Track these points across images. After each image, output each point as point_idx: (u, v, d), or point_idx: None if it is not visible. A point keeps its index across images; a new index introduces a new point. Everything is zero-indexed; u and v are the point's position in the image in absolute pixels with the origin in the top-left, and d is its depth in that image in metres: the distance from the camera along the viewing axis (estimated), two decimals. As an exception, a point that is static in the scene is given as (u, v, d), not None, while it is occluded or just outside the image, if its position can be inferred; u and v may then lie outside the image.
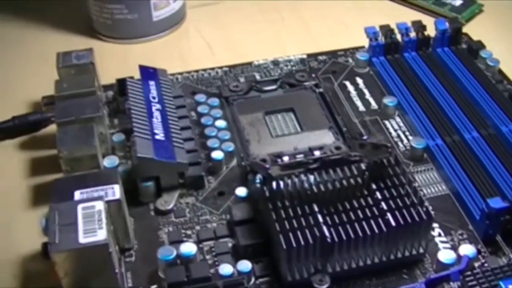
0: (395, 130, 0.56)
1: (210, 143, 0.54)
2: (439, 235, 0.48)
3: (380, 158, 0.47)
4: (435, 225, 0.48)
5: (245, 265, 0.45)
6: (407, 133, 0.56)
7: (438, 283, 0.44)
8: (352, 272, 0.45)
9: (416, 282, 0.45)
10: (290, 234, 0.43)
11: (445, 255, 0.46)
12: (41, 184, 0.55)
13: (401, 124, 0.57)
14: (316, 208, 0.45)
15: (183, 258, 0.45)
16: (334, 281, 0.44)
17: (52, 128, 0.59)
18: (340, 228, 0.44)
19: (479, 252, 0.47)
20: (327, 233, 0.43)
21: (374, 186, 0.46)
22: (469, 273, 0.44)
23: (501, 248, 0.47)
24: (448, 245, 0.47)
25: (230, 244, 0.47)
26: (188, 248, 0.46)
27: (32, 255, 0.49)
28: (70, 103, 0.53)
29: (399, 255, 0.46)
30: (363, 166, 0.47)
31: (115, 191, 0.45)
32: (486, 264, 0.46)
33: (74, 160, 0.50)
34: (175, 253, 0.45)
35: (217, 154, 0.53)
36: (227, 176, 0.53)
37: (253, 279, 0.45)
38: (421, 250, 0.46)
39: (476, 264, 0.46)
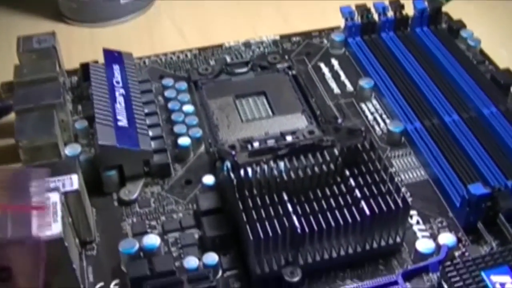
0: (372, 113, 0.54)
1: (177, 129, 0.51)
2: (417, 223, 0.46)
3: (354, 143, 0.45)
4: (413, 212, 0.46)
5: (211, 257, 0.42)
6: (384, 116, 0.54)
7: (416, 274, 0.42)
8: (325, 263, 0.43)
9: (393, 273, 0.42)
10: (258, 225, 0.40)
11: (424, 245, 0.43)
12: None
13: (378, 107, 0.54)
14: (285, 197, 0.42)
15: (146, 251, 0.43)
16: (306, 274, 0.42)
17: (13, 116, 0.56)
18: (311, 218, 0.41)
19: (459, 240, 0.44)
20: (297, 224, 0.41)
21: (347, 173, 0.44)
22: (449, 263, 0.41)
23: (483, 237, 0.45)
24: (427, 234, 0.45)
25: (196, 236, 0.45)
26: (151, 240, 0.43)
27: None
28: (30, 89, 0.50)
29: (375, 245, 0.43)
30: (336, 151, 0.45)
31: (73, 182, 0.42)
32: (467, 254, 0.44)
33: (34, 149, 0.47)
34: (137, 245, 0.43)
35: (184, 141, 0.50)
36: (194, 163, 0.50)
37: (220, 272, 0.43)
38: (398, 240, 0.44)
39: (457, 254, 0.44)
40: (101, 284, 0.43)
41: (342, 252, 0.43)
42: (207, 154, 0.51)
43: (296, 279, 0.42)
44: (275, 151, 0.45)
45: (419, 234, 0.45)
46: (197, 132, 0.51)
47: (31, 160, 0.48)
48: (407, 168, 0.49)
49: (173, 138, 0.51)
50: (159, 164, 0.49)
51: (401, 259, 0.44)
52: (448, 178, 0.47)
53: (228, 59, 0.59)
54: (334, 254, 0.43)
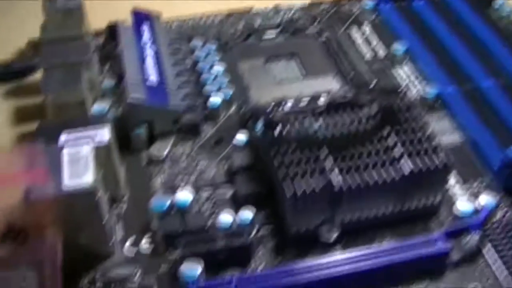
0: (405, 78, 0.52)
1: (207, 89, 0.50)
2: (455, 185, 0.45)
3: (391, 102, 0.44)
4: (450, 175, 0.45)
5: (245, 215, 0.41)
6: (417, 81, 0.52)
7: (457, 235, 0.40)
8: (362, 223, 0.41)
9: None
10: (294, 182, 0.39)
11: (463, 206, 0.42)
12: (26, 133, 0.51)
13: (411, 72, 0.53)
14: (322, 155, 0.41)
15: (178, 207, 0.42)
16: (342, 233, 0.41)
17: (37, 77, 0.55)
18: (348, 175, 0.40)
19: (498, 204, 0.43)
20: (334, 180, 0.39)
21: (385, 132, 0.42)
22: (489, 224, 0.40)
23: (523, 201, 0.44)
24: (465, 196, 0.44)
25: (229, 194, 0.44)
26: (184, 196, 0.42)
27: (15, 206, 0.45)
28: (57, 47, 0.49)
29: (413, 206, 0.42)
30: (373, 110, 0.43)
31: (104, 135, 0.41)
32: (507, 214, 0.42)
33: (61, 106, 0.46)
34: (169, 202, 0.42)
35: (214, 100, 0.49)
36: (225, 123, 0.49)
37: (254, 231, 0.41)
38: (437, 201, 0.42)
39: (495, 217, 0.42)
40: (132, 240, 0.42)
41: (380, 213, 0.42)
42: (237, 115, 0.50)
43: (332, 238, 0.41)
44: (311, 109, 0.44)
45: (457, 196, 0.44)
46: (228, 92, 0.50)
47: (57, 118, 0.47)
48: (442, 132, 0.48)
49: (203, 99, 0.50)
50: (189, 123, 0.48)
51: (439, 220, 0.43)
52: (486, 141, 0.46)
53: (257, 24, 0.58)
54: (371, 214, 0.41)
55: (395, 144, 0.41)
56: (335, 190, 0.39)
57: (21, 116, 0.53)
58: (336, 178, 0.40)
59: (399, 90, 0.46)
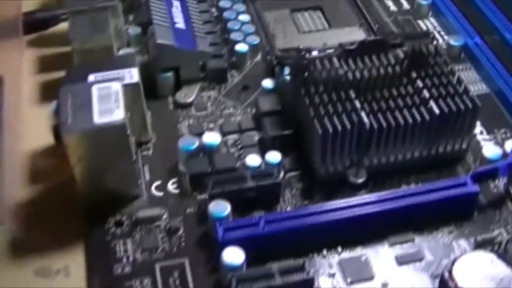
0: (430, 30, 0.52)
1: (234, 36, 0.50)
2: (481, 133, 0.45)
3: (420, 45, 0.43)
4: (477, 123, 0.44)
5: (274, 156, 0.41)
6: (442, 33, 0.52)
7: (485, 177, 0.40)
8: (390, 166, 0.42)
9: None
10: (326, 119, 0.39)
11: (491, 150, 0.42)
12: (50, 80, 0.51)
13: (436, 24, 0.53)
14: (352, 96, 0.41)
15: (207, 148, 0.42)
16: (370, 176, 0.41)
17: (60, 26, 0.55)
18: (379, 115, 0.40)
19: (524, 150, 0.43)
20: (365, 119, 0.39)
21: (414, 75, 0.42)
22: (517, 168, 0.40)
23: (548, 149, 0.44)
24: (491, 142, 0.44)
25: (256, 138, 0.44)
26: (212, 137, 0.42)
27: (41, 151, 0.45)
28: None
29: (441, 150, 0.42)
30: (401, 54, 0.43)
31: (133, 74, 0.41)
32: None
33: (87, 52, 0.46)
34: (197, 143, 0.42)
35: (241, 47, 0.49)
36: (251, 70, 0.49)
37: (282, 173, 0.41)
38: (464, 146, 0.42)
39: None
40: (158, 182, 0.42)
41: (408, 156, 0.42)
42: (264, 62, 0.49)
43: (360, 180, 0.41)
44: (339, 53, 0.43)
45: (483, 143, 0.44)
46: (254, 40, 0.50)
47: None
48: (467, 82, 0.48)
49: (229, 47, 0.50)
50: (216, 69, 0.48)
51: (467, 165, 0.43)
52: (512, 91, 0.46)
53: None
54: (400, 157, 0.41)
55: (424, 87, 0.41)
56: (366, 129, 0.39)
57: (45, 65, 0.53)
58: (366, 118, 0.40)
59: (429, 33, 0.45)
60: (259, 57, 0.50)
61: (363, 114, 0.40)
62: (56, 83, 0.48)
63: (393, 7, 0.55)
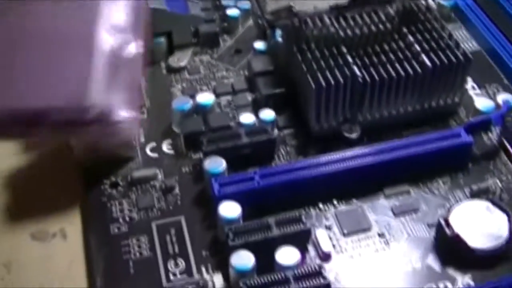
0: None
1: (225, 2, 0.50)
2: (473, 88, 0.45)
3: (410, 2, 0.44)
4: (468, 79, 0.45)
5: (268, 113, 0.41)
6: (433, -6, 0.52)
7: (478, 129, 0.41)
8: (384, 121, 0.42)
9: (452, 129, 0.41)
10: (319, 74, 0.39)
11: (483, 103, 0.42)
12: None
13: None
14: (345, 50, 0.41)
15: (200, 108, 0.42)
16: (364, 132, 0.41)
17: None
18: (372, 69, 0.40)
19: (515, 104, 0.43)
20: (358, 73, 0.40)
21: (405, 30, 0.42)
22: (509, 121, 0.40)
23: (540, 101, 0.44)
24: (483, 96, 0.44)
25: (249, 99, 0.44)
26: (206, 97, 0.42)
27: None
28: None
29: (434, 104, 0.42)
30: (391, 11, 0.43)
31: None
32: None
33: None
34: (191, 102, 0.42)
35: (232, 12, 0.49)
36: (243, 35, 0.49)
37: (276, 130, 0.42)
38: (457, 100, 0.43)
39: None
40: (153, 144, 0.42)
41: (401, 110, 0.42)
42: (255, 27, 0.50)
43: (354, 135, 0.41)
44: (330, 10, 0.44)
45: (475, 97, 0.44)
46: (245, 4, 0.50)
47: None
48: (459, 41, 0.48)
49: (221, 12, 0.50)
50: (208, 33, 0.48)
51: (459, 119, 0.43)
52: (503, 46, 0.47)
53: None
54: (393, 112, 0.42)
55: (416, 41, 0.42)
56: (359, 82, 0.39)
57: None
58: (359, 71, 0.40)
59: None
60: (250, 21, 0.50)
61: (355, 68, 0.40)
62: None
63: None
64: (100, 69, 0.36)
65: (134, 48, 0.38)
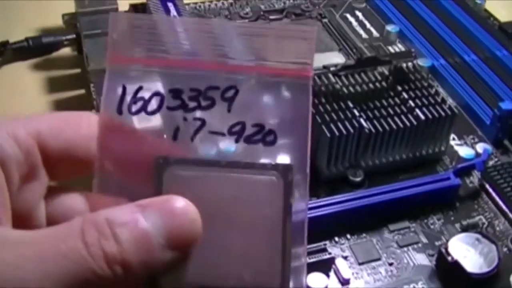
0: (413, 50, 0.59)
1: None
2: (453, 139, 0.52)
3: (402, 63, 0.51)
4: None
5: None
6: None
7: (463, 173, 0.47)
8: (382, 167, 0.48)
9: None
10: (332, 125, 0.46)
11: (465, 151, 0.49)
12: (61, 100, 0.56)
13: (403, 49, 0.60)
14: (351, 105, 0.47)
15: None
16: (367, 175, 0.47)
17: (64, 51, 0.60)
18: (375, 122, 0.46)
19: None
20: (365, 125, 0.46)
21: (399, 88, 0.49)
22: (490, 164, 0.48)
23: (511, 150, 0.51)
24: (464, 146, 0.51)
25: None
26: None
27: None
28: (94, 18, 0.54)
29: (424, 152, 0.49)
30: (385, 71, 0.50)
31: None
32: (497, 163, 0.50)
33: (103, 72, 0.51)
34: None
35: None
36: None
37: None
38: (442, 148, 0.50)
39: (491, 162, 0.50)
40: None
41: (397, 157, 0.48)
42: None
43: (359, 179, 0.47)
44: (335, 70, 0.50)
45: (456, 147, 0.51)
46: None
47: (100, 84, 0.51)
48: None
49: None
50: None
51: (445, 165, 0.50)
52: (476, 103, 0.54)
53: (262, 7, 0.64)
54: (390, 159, 0.48)
55: (409, 98, 0.48)
56: (366, 133, 0.46)
57: (51, 86, 0.57)
58: (365, 124, 0.46)
59: (413, 50, 0.52)
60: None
61: (362, 120, 0.46)
62: (65, 102, 0.54)
63: (364, 35, 0.62)
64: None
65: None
